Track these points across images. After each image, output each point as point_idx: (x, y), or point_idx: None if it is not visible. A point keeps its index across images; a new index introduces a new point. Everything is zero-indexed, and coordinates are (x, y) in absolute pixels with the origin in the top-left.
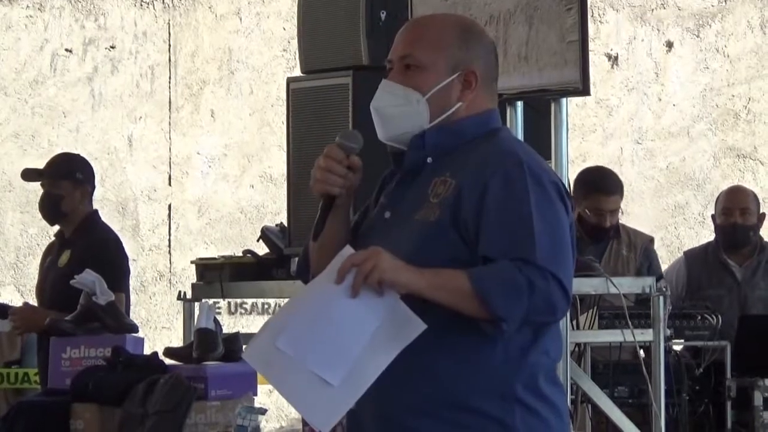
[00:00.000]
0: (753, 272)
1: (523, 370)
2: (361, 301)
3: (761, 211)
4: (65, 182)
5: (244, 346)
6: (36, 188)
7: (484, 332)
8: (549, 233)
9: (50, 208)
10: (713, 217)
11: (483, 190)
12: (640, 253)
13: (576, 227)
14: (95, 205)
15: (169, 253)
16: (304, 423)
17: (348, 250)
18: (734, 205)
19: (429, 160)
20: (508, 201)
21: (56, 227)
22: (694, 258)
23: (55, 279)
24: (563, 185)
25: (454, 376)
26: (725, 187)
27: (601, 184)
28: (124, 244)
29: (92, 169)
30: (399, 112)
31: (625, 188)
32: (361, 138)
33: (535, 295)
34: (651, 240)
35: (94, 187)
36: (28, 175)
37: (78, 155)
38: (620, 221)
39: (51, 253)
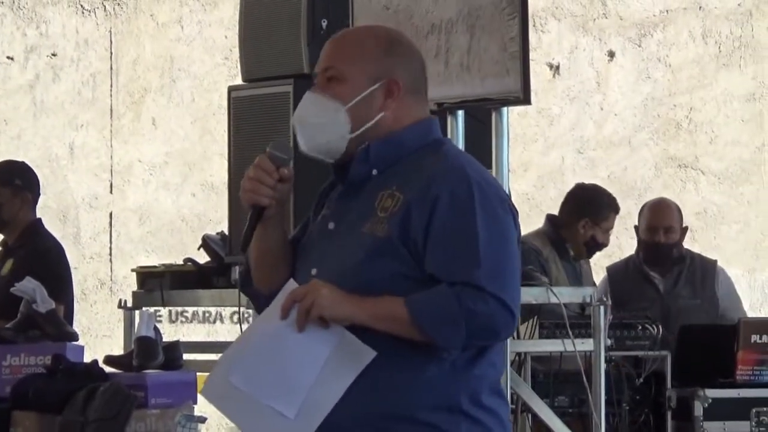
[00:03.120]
0: (674, 282)
1: (470, 382)
2: (308, 334)
3: (684, 225)
4: (4, 189)
5: (184, 355)
6: None
7: (430, 348)
8: (495, 252)
9: None
10: (636, 228)
11: (431, 207)
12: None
13: (574, 243)
14: (37, 213)
15: (110, 261)
16: None
17: (291, 284)
18: (659, 224)
19: (374, 172)
20: (455, 219)
21: None
22: (616, 273)
23: None
24: (508, 198)
25: (401, 389)
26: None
27: (615, 204)
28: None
29: (35, 176)
30: (321, 122)
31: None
32: (292, 149)
33: (474, 321)
34: None
35: (37, 195)
36: None
37: (20, 162)
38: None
39: None
